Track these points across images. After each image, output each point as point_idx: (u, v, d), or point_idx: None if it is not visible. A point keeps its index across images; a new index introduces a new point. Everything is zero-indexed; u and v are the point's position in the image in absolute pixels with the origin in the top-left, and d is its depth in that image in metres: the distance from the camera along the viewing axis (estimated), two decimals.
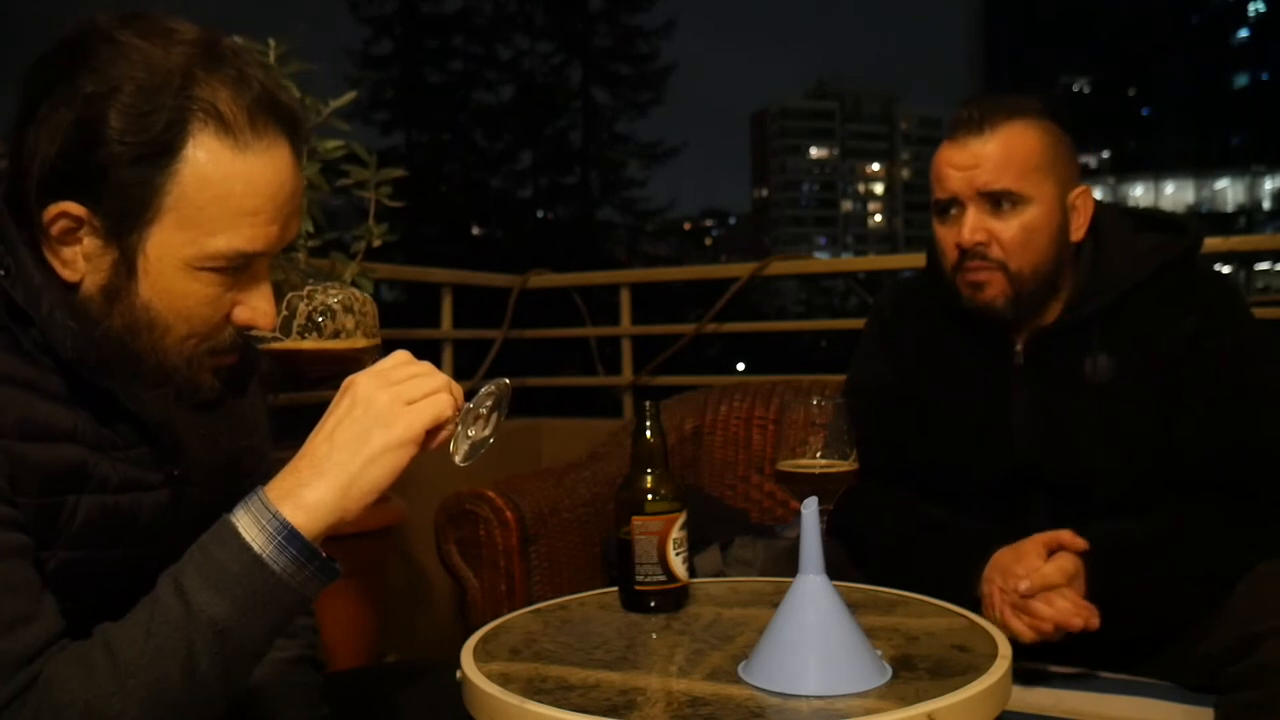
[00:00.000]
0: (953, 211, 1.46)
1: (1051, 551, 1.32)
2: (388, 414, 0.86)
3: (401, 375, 0.88)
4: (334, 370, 0.91)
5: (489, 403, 0.92)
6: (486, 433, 0.92)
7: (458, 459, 0.91)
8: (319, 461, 0.85)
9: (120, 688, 0.79)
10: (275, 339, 0.92)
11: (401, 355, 0.90)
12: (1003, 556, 1.34)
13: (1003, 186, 1.41)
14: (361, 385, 0.87)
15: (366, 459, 0.85)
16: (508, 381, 0.94)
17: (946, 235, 1.47)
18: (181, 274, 0.87)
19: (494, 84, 30.87)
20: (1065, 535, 1.32)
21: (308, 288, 0.93)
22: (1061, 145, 1.46)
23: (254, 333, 0.92)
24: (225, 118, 0.85)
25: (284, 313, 0.93)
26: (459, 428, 0.90)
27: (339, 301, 0.93)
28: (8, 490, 0.82)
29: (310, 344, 0.92)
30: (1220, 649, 1.27)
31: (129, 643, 0.80)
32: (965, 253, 1.44)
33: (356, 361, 0.92)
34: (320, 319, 0.92)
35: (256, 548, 0.82)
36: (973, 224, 1.43)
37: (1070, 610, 1.26)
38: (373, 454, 0.85)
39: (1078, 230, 1.47)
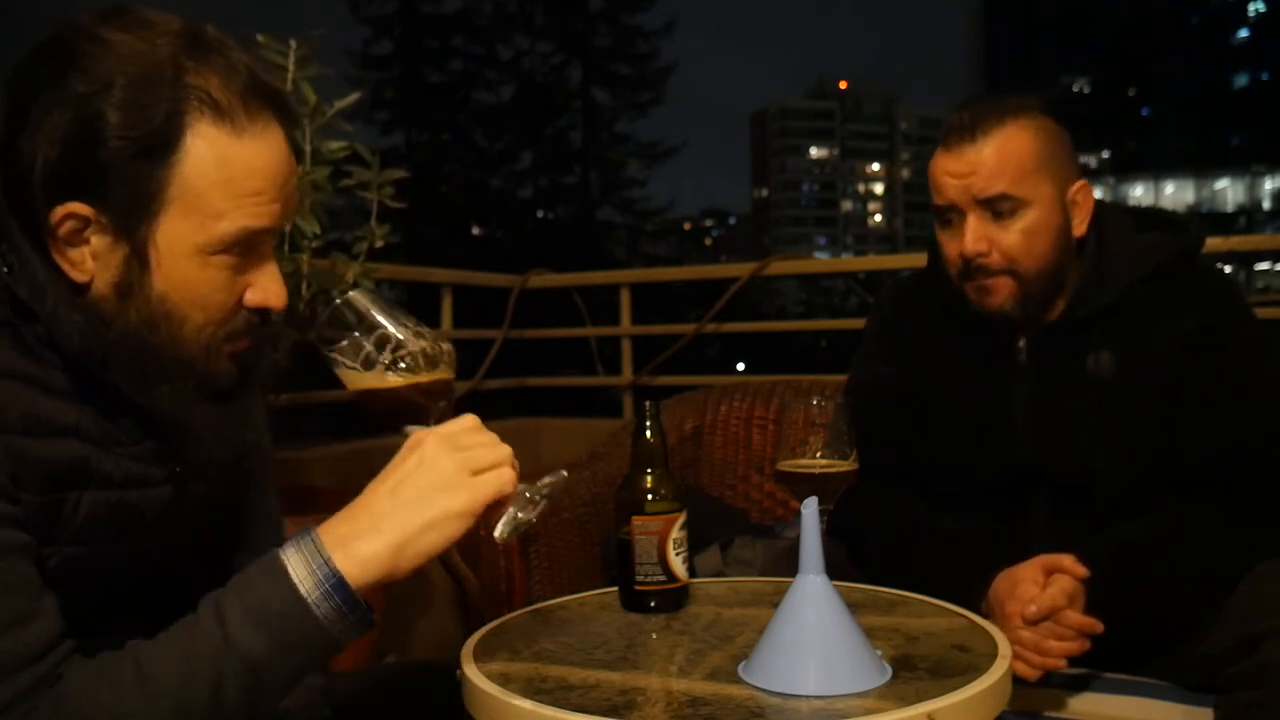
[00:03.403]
0: (953, 219, 1.45)
1: (1049, 573, 1.32)
2: (454, 481, 0.86)
3: (469, 442, 0.88)
4: (409, 408, 0.93)
5: (545, 491, 0.93)
6: (532, 517, 0.92)
7: (497, 535, 0.91)
8: (378, 516, 0.85)
9: (146, 707, 0.79)
10: (354, 369, 0.93)
11: (470, 420, 0.91)
12: (1000, 586, 1.34)
13: (998, 191, 1.40)
14: (429, 446, 0.87)
15: (426, 522, 0.85)
16: (565, 474, 0.95)
17: (949, 243, 1.47)
18: (193, 261, 0.87)
19: (494, 84, 30.88)
20: (1066, 561, 1.31)
21: (411, 332, 0.94)
22: (1057, 143, 1.45)
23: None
24: (220, 105, 0.86)
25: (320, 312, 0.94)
26: (511, 508, 0.90)
27: (423, 352, 0.94)
28: (9, 487, 0.82)
29: (395, 381, 0.93)
30: (1220, 649, 1.27)
31: (161, 663, 0.80)
32: (969, 261, 1.44)
33: (428, 400, 0.93)
34: (403, 365, 0.93)
35: (303, 590, 0.82)
36: (974, 233, 1.42)
37: (1077, 646, 1.27)
38: (433, 519, 0.85)
39: (1080, 225, 1.47)
